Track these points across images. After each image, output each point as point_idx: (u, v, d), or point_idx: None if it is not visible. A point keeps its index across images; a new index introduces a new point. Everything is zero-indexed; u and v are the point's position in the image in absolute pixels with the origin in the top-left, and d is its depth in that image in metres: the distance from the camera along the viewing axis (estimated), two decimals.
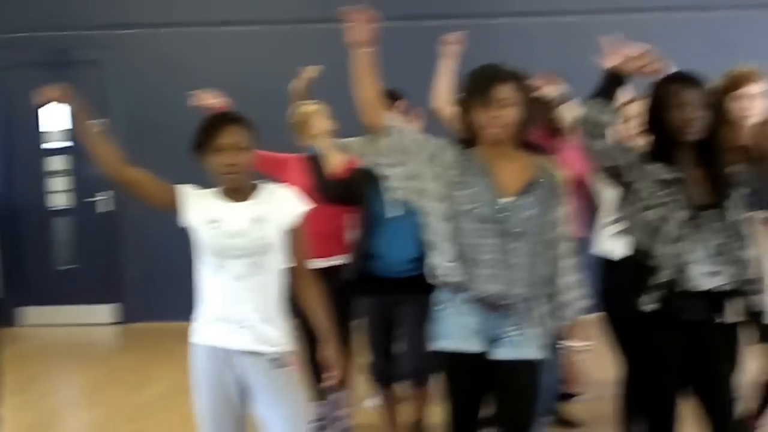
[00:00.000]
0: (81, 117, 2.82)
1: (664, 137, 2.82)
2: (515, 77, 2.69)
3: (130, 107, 7.22)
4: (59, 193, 7.58)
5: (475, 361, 2.72)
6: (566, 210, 2.77)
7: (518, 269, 2.66)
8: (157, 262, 7.30)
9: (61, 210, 7.59)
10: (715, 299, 2.80)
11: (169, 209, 2.82)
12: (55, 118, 7.43)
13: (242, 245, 2.73)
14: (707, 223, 2.76)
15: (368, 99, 2.70)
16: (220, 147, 2.71)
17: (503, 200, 2.67)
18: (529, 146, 2.82)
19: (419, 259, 3.56)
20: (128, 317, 7.45)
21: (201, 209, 2.79)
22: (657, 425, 2.90)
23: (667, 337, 2.81)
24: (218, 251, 2.74)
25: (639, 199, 2.81)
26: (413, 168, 2.70)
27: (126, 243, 7.44)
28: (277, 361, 2.76)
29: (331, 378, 2.90)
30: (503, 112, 2.63)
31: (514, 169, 2.72)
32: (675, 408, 2.88)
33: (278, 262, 2.80)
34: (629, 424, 3.62)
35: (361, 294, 3.87)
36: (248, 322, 2.74)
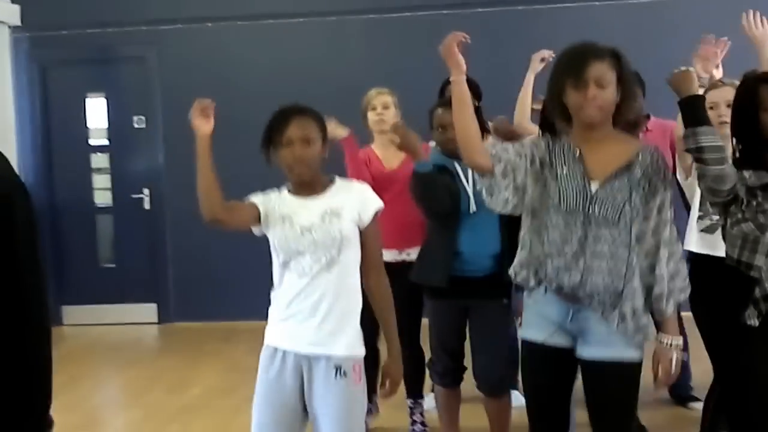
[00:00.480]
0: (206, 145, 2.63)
1: (756, 140, 2.66)
2: (613, 54, 2.53)
3: (175, 104, 7.13)
4: (103, 191, 7.54)
5: (559, 356, 2.59)
6: (668, 196, 2.58)
7: (602, 257, 2.50)
8: (199, 261, 7.25)
9: (104, 207, 7.55)
10: None
11: (255, 226, 2.73)
12: (100, 116, 7.41)
13: (313, 241, 2.64)
14: None
15: (467, 137, 2.58)
16: (289, 140, 2.64)
17: (594, 185, 2.53)
18: (629, 128, 2.70)
19: (499, 256, 3.50)
20: (170, 316, 7.39)
21: (275, 211, 2.70)
22: None
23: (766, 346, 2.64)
24: (289, 248, 2.65)
25: (738, 210, 2.66)
26: (521, 179, 2.59)
27: (168, 241, 7.38)
28: (342, 368, 2.64)
29: (387, 391, 2.80)
30: (599, 93, 2.48)
31: (608, 153, 2.56)
32: None
33: (352, 259, 2.70)
34: None
35: (437, 296, 3.68)
36: (316, 323, 2.64)
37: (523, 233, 2.65)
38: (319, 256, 2.63)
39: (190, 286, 7.29)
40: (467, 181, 3.52)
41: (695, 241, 3.37)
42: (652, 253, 2.54)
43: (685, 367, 4.30)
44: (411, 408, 4.29)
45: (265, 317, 2.79)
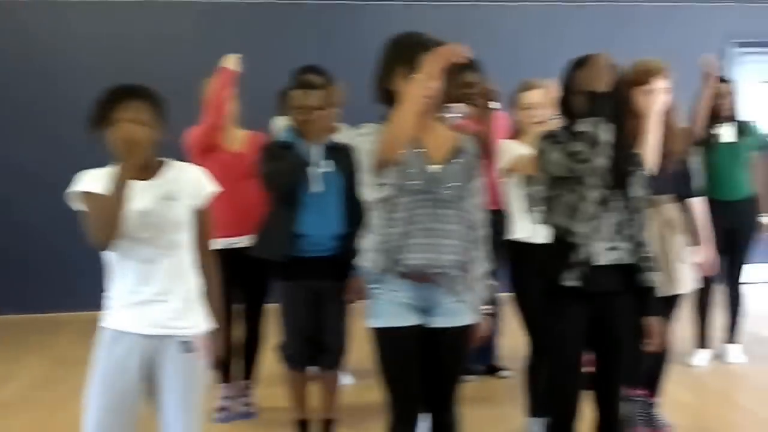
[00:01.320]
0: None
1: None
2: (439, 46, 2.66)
3: None
4: None
5: (411, 334, 2.72)
6: (481, 183, 2.80)
7: (449, 236, 2.67)
8: (27, 251, 6.96)
9: None
10: (617, 273, 2.90)
11: None
12: None
13: (150, 224, 2.61)
14: (612, 202, 2.86)
15: (403, 137, 2.63)
16: (119, 121, 2.54)
17: (433, 168, 2.68)
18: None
19: (343, 237, 3.62)
20: None
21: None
22: (563, 388, 3.00)
23: (579, 307, 2.90)
24: (125, 233, 2.57)
25: (562, 183, 2.89)
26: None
27: None
28: (186, 345, 2.67)
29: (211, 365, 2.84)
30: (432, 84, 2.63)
31: (442, 138, 2.74)
32: (580, 372, 2.99)
33: (189, 241, 2.72)
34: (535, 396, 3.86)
35: (284, 277, 3.75)
36: (157, 305, 2.64)
37: (372, 217, 2.76)
38: (158, 241, 2.62)
39: (17, 277, 7.00)
40: (315, 163, 3.63)
41: (521, 228, 3.71)
42: (475, 232, 2.76)
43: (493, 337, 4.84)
44: (241, 392, 4.38)
45: (91, 307, 2.73)
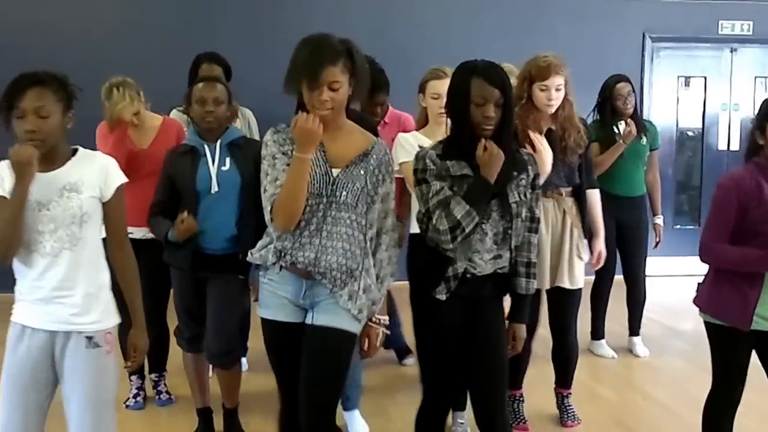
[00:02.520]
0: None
1: (465, 132, 2.81)
2: (347, 54, 2.63)
3: None
4: None
5: (290, 329, 2.75)
6: (392, 188, 2.80)
7: (339, 239, 2.67)
8: None
9: None
10: (496, 280, 2.93)
11: None
12: None
13: (52, 217, 2.57)
14: (493, 212, 2.85)
15: (296, 207, 2.62)
16: (23, 111, 2.51)
17: (335, 171, 2.68)
18: (357, 119, 2.86)
19: (236, 237, 3.60)
20: None
21: (6, 182, 2.56)
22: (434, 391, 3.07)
23: (450, 317, 2.91)
24: (26, 226, 2.54)
25: (434, 195, 2.84)
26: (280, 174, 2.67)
27: None
28: (92, 340, 2.63)
29: (132, 364, 2.84)
30: (332, 95, 2.61)
31: (346, 143, 2.73)
32: (452, 381, 3.05)
33: (95, 234, 2.66)
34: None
35: (177, 266, 3.75)
36: (61, 300, 2.59)
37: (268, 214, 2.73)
38: (59, 234, 2.57)
39: None
40: (212, 162, 3.59)
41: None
42: (377, 238, 2.78)
43: (397, 325, 4.89)
44: (155, 381, 4.44)
45: (8, 290, 2.72)
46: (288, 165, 2.65)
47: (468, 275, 2.86)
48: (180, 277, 3.78)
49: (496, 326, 2.98)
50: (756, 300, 2.94)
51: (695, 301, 3.13)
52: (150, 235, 3.87)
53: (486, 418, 2.98)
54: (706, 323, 3.09)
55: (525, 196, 2.90)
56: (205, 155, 3.62)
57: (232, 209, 3.59)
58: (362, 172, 2.70)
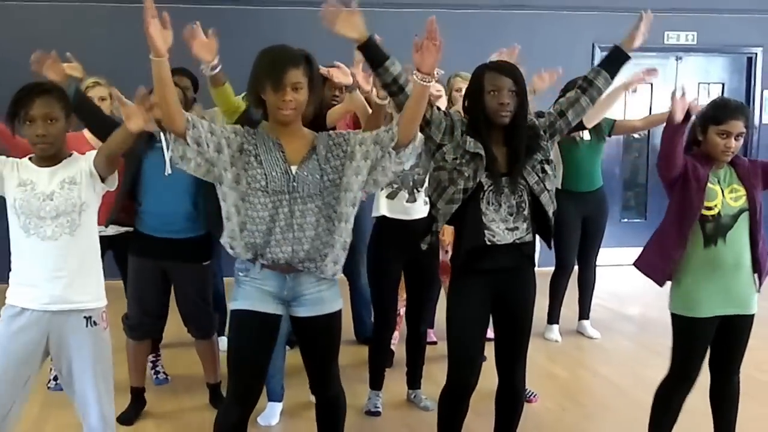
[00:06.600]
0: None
1: (481, 118, 3.09)
2: (306, 59, 2.80)
3: None
4: None
5: (268, 320, 2.87)
6: (355, 174, 2.86)
7: (310, 228, 2.80)
8: None
9: None
10: (519, 252, 3.17)
11: None
12: None
13: (54, 207, 2.81)
14: (505, 188, 3.09)
15: (166, 107, 2.67)
16: (32, 118, 2.78)
17: (293, 168, 2.80)
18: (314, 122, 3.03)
19: (194, 217, 3.84)
20: None
21: (14, 175, 2.86)
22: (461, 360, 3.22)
23: (478, 293, 3.17)
24: (31, 212, 2.81)
25: (441, 159, 3.11)
26: (211, 154, 2.74)
27: None
28: (91, 319, 2.88)
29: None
30: (295, 96, 2.76)
31: (299, 140, 2.86)
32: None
33: (93, 220, 2.91)
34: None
35: (133, 253, 3.94)
36: (63, 282, 2.83)
37: (227, 207, 2.82)
38: (61, 222, 2.82)
39: None
40: (167, 146, 3.71)
41: (384, 207, 4.05)
42: (340, 223, 2.88)
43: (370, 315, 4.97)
44: (153, 362, 4.65)
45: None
46: (230, 142, 2.76)
47: (488, 243, 3.08)
48: (139, 268, 3.91)
49: (523, 296, 3.21)
50: (678, 260, 3.24)
51: (635, 263, 3.40)
52: (122, 230, 4.06)
53: (505, 383, 3.30)
54: (673, 315, 3.29)
55: (543, 171, 3.14)
56: (161, 140, 3.76)
57: (186, 190, 3.77)
58: (316, 163, 2.82)
